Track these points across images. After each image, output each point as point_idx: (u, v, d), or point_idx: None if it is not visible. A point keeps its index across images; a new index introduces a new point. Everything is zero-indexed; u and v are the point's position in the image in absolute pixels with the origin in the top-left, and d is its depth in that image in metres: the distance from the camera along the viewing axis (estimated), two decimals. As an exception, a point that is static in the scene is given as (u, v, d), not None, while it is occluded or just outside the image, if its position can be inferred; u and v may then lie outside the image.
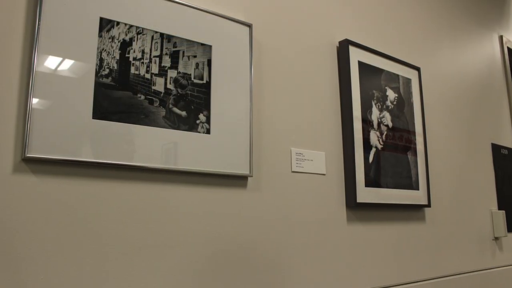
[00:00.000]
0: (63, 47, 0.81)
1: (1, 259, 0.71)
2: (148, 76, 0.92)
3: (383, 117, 1.39)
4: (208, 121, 0.98)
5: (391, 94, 1.44)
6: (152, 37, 0.93)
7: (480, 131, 1.89)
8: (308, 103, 1.23)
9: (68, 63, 0.81)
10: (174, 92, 0.95)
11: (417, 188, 1.45)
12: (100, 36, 0.86)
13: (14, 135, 0.75)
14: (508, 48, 2.22)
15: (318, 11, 1.32)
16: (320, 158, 1.22)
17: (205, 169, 0.96)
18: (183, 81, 0.96)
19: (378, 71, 1.41)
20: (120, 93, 0.87)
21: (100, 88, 0.84)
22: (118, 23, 0.89)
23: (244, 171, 1.02)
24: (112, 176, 0.84)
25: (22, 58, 0.78)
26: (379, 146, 1.35)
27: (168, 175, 0.92)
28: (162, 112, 0.92)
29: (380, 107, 1.39)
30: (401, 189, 1.40)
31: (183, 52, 0.97)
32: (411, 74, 1.54)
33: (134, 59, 0.90)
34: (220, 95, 1.01)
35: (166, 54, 0.95)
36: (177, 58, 0.96)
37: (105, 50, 0.86)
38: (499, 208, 1.88)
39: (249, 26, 1.10)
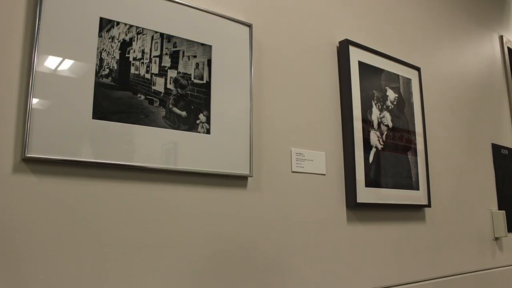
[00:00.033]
0: (63, 47, 0.81)
1: (1, 259, 0.71)
2: (148, 76, 0.92)
3: (383, 117, 1.39)
4: (208, 121, 0.98)
5: (391, 94, 1.44)
6: (152, 37, 0.93)
7: (480, 131, 1.89)
8: (308, 103, 1.23)
9: (68, 63, 0.81)
10: (174, 92, 0.95)
11: (417, 188, 1.45)
12: (100, 36, 0.86)
13: (14, 135, 0.75)
14: (508, 48, 2.22)
15: (318, 11, 1.32)
16: (320, 158, 1.21)
17: (205, 169, 0.96)
18: (183, 81, 0.96)
19: (378, 71, 1.41)
20: (120, 93, 0.87)
21: (100, 88, 0.84)
22: (118, 23, 0.89)
23: (244, 171, 1.02)
24: (112, 176, 0.84)
25: (22, 58, 0.78)
26: (379, 146, 1.35)
27: (168, 175, 0.92)
28: (162, 112, 0.92)
29: (380, 107, 1.39)
30: (401, 189, 1.40)
31: (183, 52, 0.97)
32: (411, 74, 1.54)
33: (134, 59, 0.90)
34: (220, 95, 1.01)
35: (166, 54, 0.95)
36: (177, 58, 0.96)
37: (105, 50, 0.86)
38: (499, 208, 1.88)
39: (249, 26, 1.09)
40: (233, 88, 1.04)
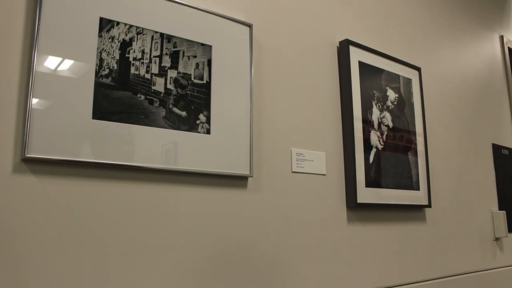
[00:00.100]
0: (63, 47, 0.81)
1: (1, 259, 0.71)
2: (148, 76, 0.91)
3: (383, 117, 1.39)
4: (208, 121, 0.98)
5: (391, 94, 1.44)
6: (152, 37, 0.93)
7: (481, 131, 1.89)
8: (309, 103, 1.22)
9: (68, 63, 0.81)
10: (174, 92, 0.95)
11: (417, 189, 1.45)
12: (100, 36, 0.86)
13: (14, 135, 0.75)
14: (509, 48, 2.22)
15: (319, 11, 1.32)
16: (321, 159, 1.21)
17: (205, 170, 0.95)
18: (183, 81, 0.96)
19: (378, 71, 1.41)
20: (120, 93, 0.87)
21: (100, 88, 0.84)
22: (118, 23, 0.89)
23: (244, 171, 1.02)
24: (112, 177, 0.84)
25: (22, 58, 0.78)
26: (380, 146, 1.35)
27: (168, 175, 0.92)
28: (162, 112, 0.92)
29: (380, 107, 1.38)
30: (402, 190, 1.39)
31: (183, 52, 0.97)
32: (412, 74, 1.54)
33: (134, 59, 0.90)
34: (220, 95, 1.01)
35: (166, 54, 0.95)
36: (177, 58, 0.96)
37: (105, 50, 0.86)
38: (500, 209, 1.87)
39: (249, 26, 1.09)
40: (233, 88, 1.04)
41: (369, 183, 1.29)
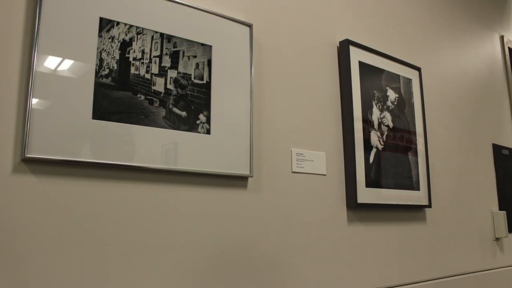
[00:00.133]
0: (63, 47, 0.81)
1: (1, 260, 0.71)
2: (148, 76, 0.91)
3: (383, 117, 1.39)
4: (208, 121, 0.98)
5: (391, 94, 1.43)
6: (152, 37, 0.93)
7: (481, 132, 1.89)
8: (309, 103, 1.22)
9: (68, 63, 0.81)
10: (174, 92, 0.95)
11: (417, 189, 1.45)
12: (100, 36, 0.86)
13: (13, 135, 0.75)
14: (509, 48, 2.22)
15: (319, 11, 1.32)
16: (321, 159, 1.21)
17: (205, 170, 0.95)
18: (183, 81, 0.96)
19: (378, 71, 1.41)
20: (120, 93, 0.87)
21: (100, 88, 0.84)
22: (118, 23, 0.89)
23: (244, 171, 1.02)
24: (112, 177, 0.84)
25: (22, 58, 0.78)
26: (380, 147, 1.35)
27: (168, 175, 0.92)
28: (162, 112, 0.92)
29: (380, 107, 1.38)
30: (402, 190, 1.39)
31: (183, 52, 0.97)
32: (412, 74, 1.54)
33: (134, 59, 0.90)
34: (220, 95, 1.01)
35: (166, 54, 0.95)
36: (177, 58, 0.96)
37: (105, 50, 0.86)
38: (500, 209, 1.87)
39: (249, 26, 1.09)
40: (233, 88, 1.04)
41: (369, 183, 1.29)
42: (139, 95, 0.89)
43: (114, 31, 0.88)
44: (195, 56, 0.99)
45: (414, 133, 1.49)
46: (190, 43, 0.99)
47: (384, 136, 1.37)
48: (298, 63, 1.22)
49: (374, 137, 1.34)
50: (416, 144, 1.48)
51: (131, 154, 0.86)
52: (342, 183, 1.26)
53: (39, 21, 0.78)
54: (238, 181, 1.02)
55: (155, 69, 0.93)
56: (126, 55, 0.89)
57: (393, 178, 1.37)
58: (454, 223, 1.62)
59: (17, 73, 0.77)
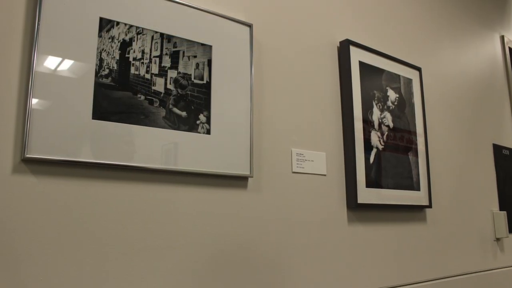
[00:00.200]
0: (63, 47, 0.81)
1: (1, 260, 0.71)
2: (148, 76, 0.91)
3: (384, 117, 1.39)
4: (208, 121, 0.98)
5: (392, 94, 1.43)
6: (152, 37, 0.93)
7: (482, 132, 1.89)
8: (309, 103, 1.22)
9: (67, 63, 0.81)
10: (174, 92, 0.94)
11: (418, 189, 1.45)
12: (100, 36, 0.86)
13: (13, 135, 0.75)
14: (510, 48, 2.21)
15: (319, 11, 1.32)
16: (321, 159, 1.21)
17: (205, 170, 0.95)
18: (183, 81, 0.96)
19: (379, 71, 1.41)
20: (120, 94, 0.87)
21: (100, 88, 0.84)
22: (118, 23, 0.89)
23: (244, 171, 1.01)
24: (112, 177, 0.84)
25: (21, 58, 0.78)
26: (380, 147, 1.35)
27: (168, 175, 0.91)
28: (162, 112, 0.92)
29: (381, 107, 1.38)
30: (402, 190, 1.39)
31: (183, 52, 0.97)
32: (412, 74, 1.54)
33: (134, 59, 0.90)
34: (220, 95, 1.01)
35: (166, 54, 0.95)
36: (177, 58, 0.96)
37: (105, 50, 0.86)
38: (501, 209, 1.87)
39: (250, 26, 1.09)
40: (233, 88, 1.04)
41: (370, 184, 1.28)
42: (139, 95, 0.89)
43: (114, 31, 0.88)
44: (195, 56, 0.99)
45: (415, 133, 1.49)
46: (190, 43, 0.99)
47: (385, 136, 1.37)
48: (298, 63, 1.22)
49: (375, 137, 1.34)
50: (416, 144, 1.48)
51: (131, 154, 0.86)
52: (342, 183, 1.26)
53: (39, 21, 0.78)
54: (238, 181, 1.02)
55: (155, 69, 0.92)
56: (126, 55, 0.89)
57: (394, 178, 1.37)
58: (454, 223, 1.62)
59: (17, 73, 0.77)
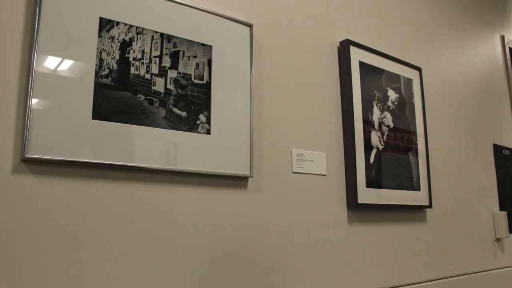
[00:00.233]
0: (63, 47, 0.81)
1: (1, 260, 0.71)
2: (148, 76, 0.91)
3: (384, 117, 1.39)
4: (208, 121, 0.98)
5: (392, 95, 1.43)
6: (152, 37, 0.93)
7: (482, 132, 1.88)
8: (309, 104, 1.22)
9: (67, 63, 0.81)
10: (174, 92, 0.94)
11: (418, 189, 1.45)
12: (100, 36, 0.86)
13: (13, 135, 0.75)
14: (510, 48, 2.21)
15: (319, 11, 1.32)
16: (321, 159, 1.21)
17: (206, 170, 0.95)
18: (183, 82, 0.96)
19: (379, 71, 1.41)
20: (120, 94, 0.87)
21: (100, 89, 0.84)
22: (118, 23, 0.89)
23: (244, 171, 1.01)
24: (111, 177, 0.84)
25: (21, 58, 0.77)
26: (380, 147, 1.35)
27: (168, 175, 0.91)
28: (162, 112, 0.92)
29: (381, 107, 1.38)
30: (402, 190, 1.39)
31: (183, 52, 0.97)
32: (412, 74, 1.54)
33: (134, 59, 0.90)
34: (220, 96, 1.01)
35: (166, 54, 0.95)
36: (177, 58, 0.96)
37: (105, 50, 0.86)
38: (501, 209, 1.87)
39: (250, 26, 1.09)
40: (233, 88, 1.04)
41: (370, 184, 1.28)
42: (139, 95, 0.89)
43: (114, 31, 0.88)
44: (195, 56, 0.99)
45: (415, 133, 1.49)
46: (190, 43, 0.98)
47: (385, 136, 1.37)
48: (298, 63, 1.22)
49: (375, 137, 1.34)
50: (416, 144, 1.48)
51: (131, 154, 0.86)
52: (342, 184, 1.26)
53: (39, 21, 0.78)
54: (238, 181, 1.02)
55: (155, 69, 0.92)
56: (126, 55, 0.89)
57: (394, 179, 1.37)
58: (454, 224, 1.62)
59: (17, 73, 0.77)
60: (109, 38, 0.87)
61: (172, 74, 0.95)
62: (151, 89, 0.91)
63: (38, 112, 0.76)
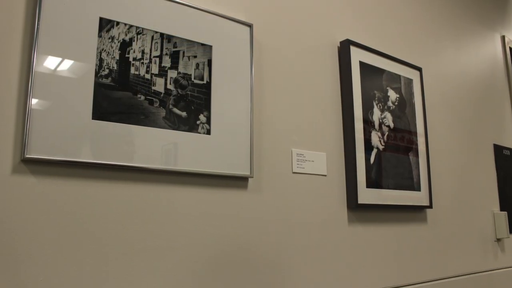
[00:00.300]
0: (63, 47, 0.81)
1: (1, 260, 0.71)
2: (148, 76, 0.91)
3: (384, 117, 1.38)
4: (208, 121, 0.98)
5: (392, 95, 1.43)
6: (152, 37, 0.93)
7: (482, 132, 1.88)
8: (309, 104, 1.22)
9: (67, 63, 0.81)
10: (174, 92, 0.94)
11: (418, 189, 1.45)
12: (99, 36, 0.86)
13: (13, 135, 0.75)
14: (510, 48, 2.21)
15: (319, 11, 1.32)
16: (321, 159, 1.21)
17: (206, 170, 0.95)
18: (183, 82, 0.96)
19: (379, 71, 1.41)
20: (120, 94, 0.86)
21: (99, 89, 0.84)
22: (118, 23, 0.89)
23: (244, 172, 1.01)
24: (111, 177, 0.84)
25: (21, 58, 0.77)
26: (381, 147, 1.35)
27: (168, 176, 0.91)
28: (162, 112, 0.92)
29: (381, 107, 1.38)
30: (403, 190, 1.39)
31: (183, 52, 0.97)
32: (413, 75, 1.54)
33: (134, 59, 0.90)
34: (221, 96, 1.01)
35: (166, 54, 0.94)
36: (177, 58, 0.96)
37: (104, 50, 0.86)
38: (501, 209, 1.87)
39: (250, 26, 1.09)
40: (233, 89, 1.04)
41: (370, 184, 1.28)
42: (139, 95, 0.89)
43: (114, 31, 0.88)
44: (195, 56, 0.99)
45: (415, 134, 1.48)
46: (190, 43, 0.98)
47: (385, 137, 1.37)
48: (298, 63, 1.22)
49: (375, 138, 1.34)
50: (417, 145, 1.48)
51: (131, 154, 0.86)
52: (342, 184, 1.25)
53: (38, 21, 0.78)
54: (238, 181, 1.02)
55: (155, 69, 0.92)
56: (126, 55, 0.89)
57: (394, 179, 1.37)
58: (455, 224, 1.62)
59: (16, 73, 0.77)
60: (109, 38, 0.87)
61: (172, 74, 0.95)
62: (151, 89, 0.91)
63: (38, 112, 0.76)
